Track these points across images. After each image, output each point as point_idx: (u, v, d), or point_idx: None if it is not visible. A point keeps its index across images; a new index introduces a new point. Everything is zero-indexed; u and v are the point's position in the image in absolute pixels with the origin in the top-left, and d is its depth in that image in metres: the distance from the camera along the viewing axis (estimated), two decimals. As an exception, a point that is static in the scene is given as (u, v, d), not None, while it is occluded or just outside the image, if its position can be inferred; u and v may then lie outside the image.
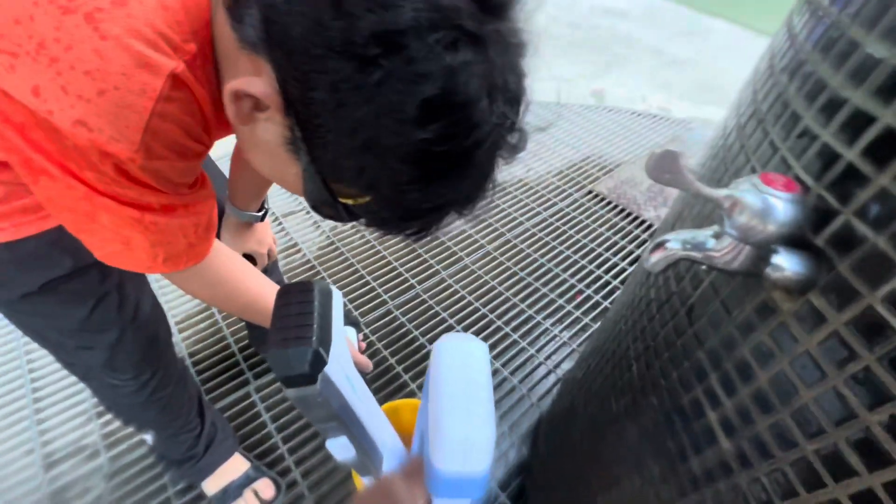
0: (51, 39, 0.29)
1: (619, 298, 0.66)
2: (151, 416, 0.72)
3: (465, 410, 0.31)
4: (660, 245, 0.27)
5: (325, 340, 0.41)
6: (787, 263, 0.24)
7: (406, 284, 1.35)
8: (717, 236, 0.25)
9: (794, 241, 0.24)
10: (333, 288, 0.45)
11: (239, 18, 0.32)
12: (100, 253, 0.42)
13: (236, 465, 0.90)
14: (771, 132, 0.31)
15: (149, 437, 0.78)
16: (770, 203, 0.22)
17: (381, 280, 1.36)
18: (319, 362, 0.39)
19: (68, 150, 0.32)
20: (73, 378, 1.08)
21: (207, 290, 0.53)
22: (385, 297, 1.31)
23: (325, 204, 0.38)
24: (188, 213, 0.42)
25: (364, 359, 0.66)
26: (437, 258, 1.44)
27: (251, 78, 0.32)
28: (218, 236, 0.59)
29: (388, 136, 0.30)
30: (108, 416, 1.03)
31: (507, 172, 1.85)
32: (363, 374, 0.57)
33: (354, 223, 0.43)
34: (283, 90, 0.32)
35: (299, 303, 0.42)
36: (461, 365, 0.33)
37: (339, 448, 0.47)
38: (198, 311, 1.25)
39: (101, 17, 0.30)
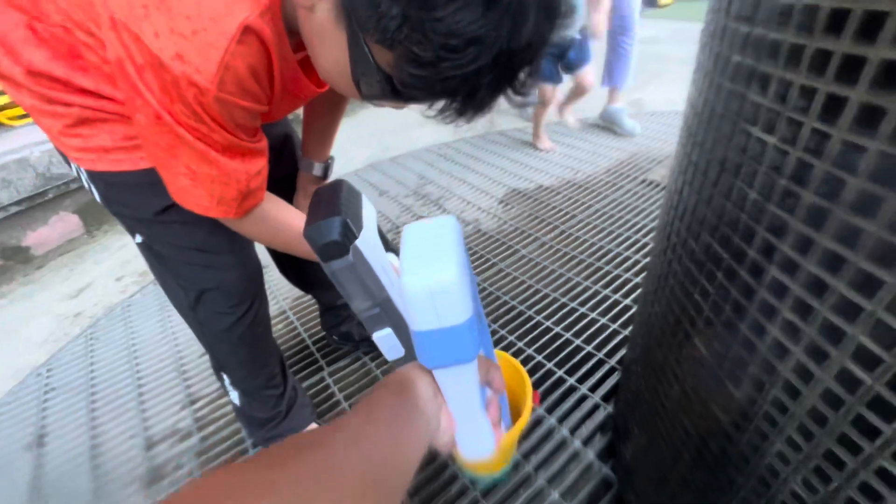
0: None
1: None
2: (244, 356, 0.77)
3: (426, 266, 0.29)
4: None
5: (355, 219, 0.43)
6: None
7: (465, 277, 1.36)
8: None
9: None
10: (366, 199, 0.49)
11: None
12: (172, 188, 0.50)
13: (315, 434, 0.90)
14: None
15: (236, 397, 0.83)
16: None
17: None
18: (349, 233, 0.42)
19: (167, 83, 0.40)
20: (172, 374, 1.20)
21: (263, 235, 0.59)
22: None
23: (368, 74, 0.39)
24: (244, 161, 0.49)
25: None
26: (492, 252, 1.46)
27: None
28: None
29: None
30: (200, 403, 1.10)
31: (552, 175, 1.89)
32: None
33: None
34: None
35: (329, 194, 0.46)
36: (425, 236, 0.31)
37: (388, 345, 0.48)
38: (275, 314, 1.34)
39: None
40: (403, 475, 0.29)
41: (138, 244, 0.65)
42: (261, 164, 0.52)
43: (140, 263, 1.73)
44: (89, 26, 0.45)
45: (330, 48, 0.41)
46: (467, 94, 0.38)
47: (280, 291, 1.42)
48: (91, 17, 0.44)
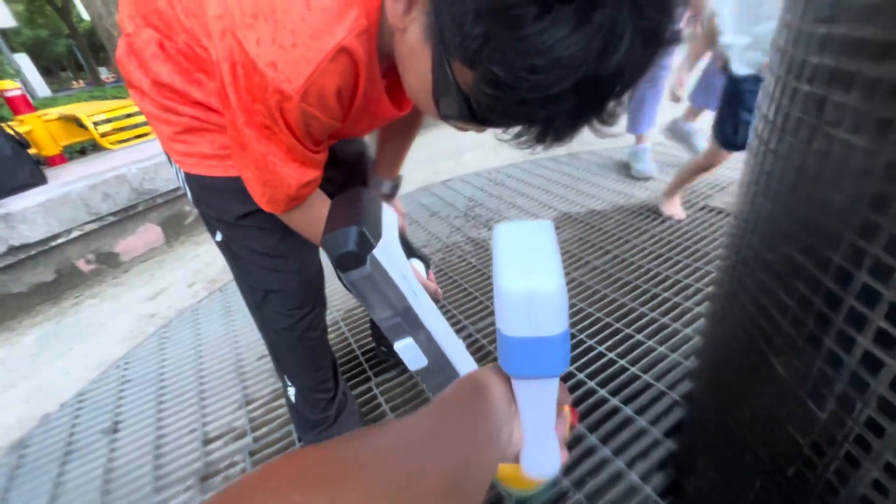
0: (281, 7, 0.42)
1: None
2: (300, 357, 0.80)
3: (527, 270, 0.27)
4: None
5: (372, 228, 0.42)
6: None
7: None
8: None
9: None
10: (386, 205, 0.48)
11: None
12: (243, 177, 0.55)
13: (361, 442, 0.91)
14: None
15: (292, 393, 0.86)
16: None
17: (486, 293, 1.39)
18: (366, 243, 0.40)
19: (254, 85, 0.43)
20: (231, 374, 1.27)
21: (300, 228, 0.63)
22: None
23: (448, 93, 0.40)
24: (301, 167, 0.52)
25: (433, 286, 0.68)
26: (544, 274, 1.44)
27: None
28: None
29: None
30: (255, 404, 1.15)
31: (604, 200, 1.85)
32: (435, 301, 0.56)
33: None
34: None
35: (348, 201, 0.45)
36: (521, 239, 0.30)
37: (410, 355, 0.47)
38: (328, 324, 1.39)
39: None
40: (480, 484, 0.26)
41: (217, 242, 0.71)
42: (313, 175, 0.55)
43: (209, 272, 1.87)
44: (202, 40, 0.51)
45: (417, 67, 0.42)
46: (545, 121, 0.37)
47: (334, 303, 1.48)
48: (204, 30, 0.50)
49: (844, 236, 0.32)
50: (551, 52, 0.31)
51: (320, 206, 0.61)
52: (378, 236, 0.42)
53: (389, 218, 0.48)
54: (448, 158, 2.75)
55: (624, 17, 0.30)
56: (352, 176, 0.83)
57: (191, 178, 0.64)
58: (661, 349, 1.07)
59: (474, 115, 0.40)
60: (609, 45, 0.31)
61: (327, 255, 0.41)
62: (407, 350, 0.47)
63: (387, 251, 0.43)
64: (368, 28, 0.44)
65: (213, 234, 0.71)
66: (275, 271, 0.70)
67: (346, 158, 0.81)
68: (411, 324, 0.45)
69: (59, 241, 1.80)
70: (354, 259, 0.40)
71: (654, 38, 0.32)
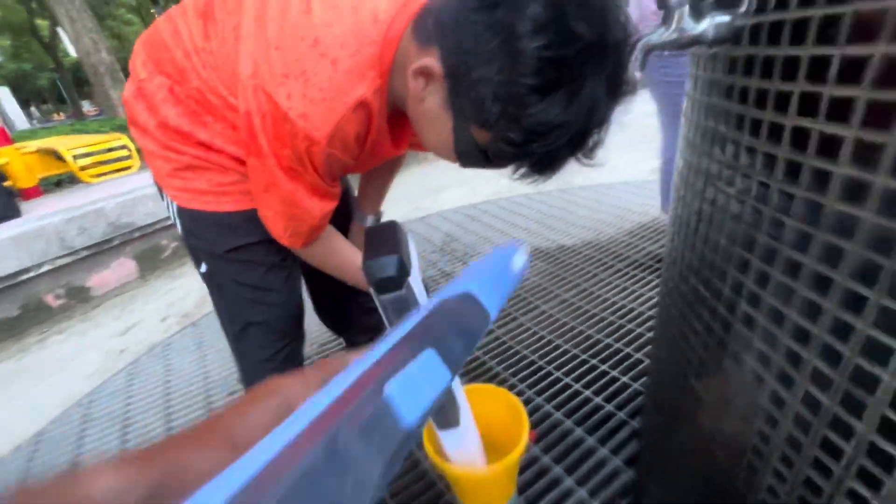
0: (310, 70, 0.50)
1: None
2: None
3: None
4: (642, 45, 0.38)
5: (407, 257, 0.48)
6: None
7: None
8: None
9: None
10: (411, 240, 0.55)
11: (420, 31, 0.49)
12: (261, 214, 0.62)
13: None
14: None
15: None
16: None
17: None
18: (404, 270, 0.47)
19: (284, 133, 0.50)
20: (200, 411, 1.25)
21: (320, 260, 0.69)
22: (466, 340, 1.36)
23: (468, 148, 0.49)
24: (321, 200, 0.60)
25: None
26: (513, 306, 1.49)
27: (425, 57, 0.47)
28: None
29: (511, 53, 0.40)
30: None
31: (574, 236, 1.94)
32: None
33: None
34: (443, 59, 0.45)
35: (386, 232, 0.52)
36: None
37: None
38: (309, 355, 1.39)
39: (340, 62, 0.49)
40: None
41: (202, 273, 0.74)
42: (332, 206, 0.62)
43: (183, 306, 1.86)
44: (221, 91, 0.57)
45: (437, 128, 0.51)
46: (545, 161, 0.47)
47: (308, 338, 1.48)
48: (227, 85, 0.57)
49: (728, 271, 0.38)
50: (552, 121, 0.42)
51: (334, 239, 0.69)
52: (410, 264, 0.49)
53: (413, 251, 0.54)
54: (427, 196, 2.84)
55: (601, 86, 0.41)
56: (338, 210, 0.88)
57: (183, 212, 0.68)
58: (624, 379, 1.12)
59: (490, 162, 0.50)
60: (592, 108, 0.42)
61: (367, 278, 0.47)
62: None
63: (415, 279, 0.50)
64: (382, 86, 0.52)
65: (198, 266, 0.74)
66: (258, 303, 0.73)
67: None
68: None
69: (28, 275, 1.78)
70: (394, 283, 0.47)
71: (620, 93, 0.44)
